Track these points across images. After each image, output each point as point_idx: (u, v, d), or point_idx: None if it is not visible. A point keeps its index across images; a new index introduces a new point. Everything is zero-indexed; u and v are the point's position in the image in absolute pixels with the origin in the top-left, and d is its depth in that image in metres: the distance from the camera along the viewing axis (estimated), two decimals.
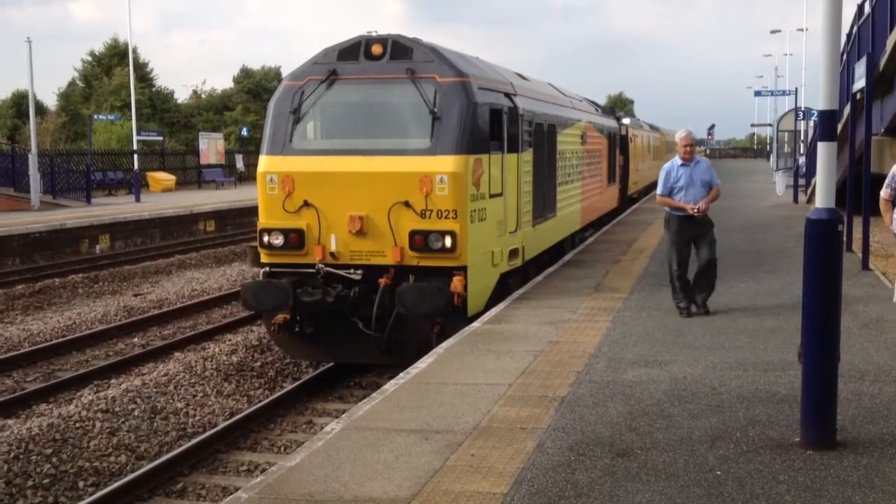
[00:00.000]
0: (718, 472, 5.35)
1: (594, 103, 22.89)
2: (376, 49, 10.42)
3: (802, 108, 36.93)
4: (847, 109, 18.88)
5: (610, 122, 22.96)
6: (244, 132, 58.61)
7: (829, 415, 5.77)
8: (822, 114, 5.81)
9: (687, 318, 9.91)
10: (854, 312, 9.91)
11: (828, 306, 5.70)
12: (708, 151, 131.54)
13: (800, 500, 4.94)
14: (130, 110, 42.50)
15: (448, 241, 9.84)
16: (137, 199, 33.81)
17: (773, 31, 60.34)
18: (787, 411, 6.44)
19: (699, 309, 10.13)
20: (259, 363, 11.65)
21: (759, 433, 6.04)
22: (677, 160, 10.12)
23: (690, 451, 5.72)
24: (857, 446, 5.75)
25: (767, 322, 9.63)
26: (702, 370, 7.68)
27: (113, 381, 11.02)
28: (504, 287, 11.48)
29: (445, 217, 9.89)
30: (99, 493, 7.31)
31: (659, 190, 10.18)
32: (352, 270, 10.10)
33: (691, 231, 10.05)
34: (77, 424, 9.08)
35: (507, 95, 11.58)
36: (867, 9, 18.59)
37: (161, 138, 47.89)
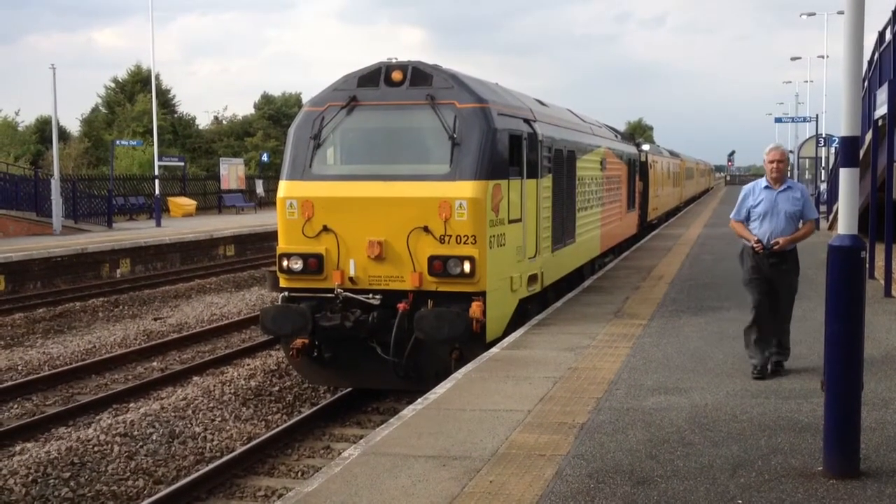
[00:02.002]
0: (740, 502, 5.28)
1: (614, 129, 22.87)
2: (396, 75, 10.48)
3: (823, 135, 36.82)
4: (869, 136, 18.78)
5: (629, 149, 22.93)
6: (264, 158, 58.92)
7: (853, 443, 5.70)
8: (843, 140, 5.79)
9: (759, 379, 8.18)
10: (877, 340, 9.81)
11: (850, 333, 5.65)
12: (729, 177, 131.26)
13: None
14: (152, 136, 42.87)
15: (467, 267, 9.83)
16: (158, 224, 34.02)
17: (793, 59, 60.44)
18: (809, 440, 6.37)
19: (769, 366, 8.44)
20: (277, 388, 11.65)
21: (781, 462, 5.97)
22: (762, 181, 8.45)
23: (711, 479, 5.65)
24: (881, 475, 5.67)
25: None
26: (723, 397, 7.61)
27: (132, 405, 11.05)
28: (523, 313, 11.45)
29: (464, 242, 9.89)
30: None
31: (733, 213, 8.57)
32: (370, 295, 10.10)
33: (769, 271, 8.28)
34: (95, 448, 9.10)
35: (527, 121, 11.60)
36: (888, 35, 18.53)
37: (182, 164, 48.22)
